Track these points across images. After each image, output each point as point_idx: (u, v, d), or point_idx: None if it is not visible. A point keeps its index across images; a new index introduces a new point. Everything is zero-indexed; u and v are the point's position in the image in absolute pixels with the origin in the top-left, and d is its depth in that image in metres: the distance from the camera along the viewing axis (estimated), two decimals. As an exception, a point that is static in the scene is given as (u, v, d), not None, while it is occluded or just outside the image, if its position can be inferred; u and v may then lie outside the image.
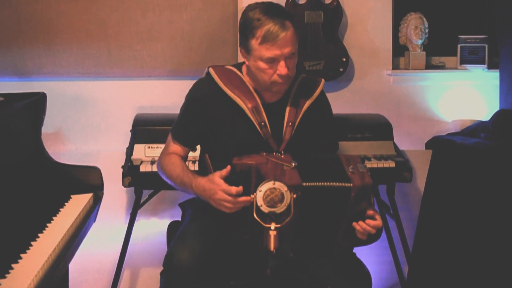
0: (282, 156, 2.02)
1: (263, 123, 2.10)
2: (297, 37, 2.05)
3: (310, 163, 2.00)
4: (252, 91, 2.14)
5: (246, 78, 2.16)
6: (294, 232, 1.95)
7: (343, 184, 1.93)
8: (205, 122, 2.16)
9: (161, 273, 2.04)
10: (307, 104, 2.17)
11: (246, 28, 2.04)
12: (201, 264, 1.95)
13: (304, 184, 1.91)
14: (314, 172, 1.95)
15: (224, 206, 1.96)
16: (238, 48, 2.15)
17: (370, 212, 1.98)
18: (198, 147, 2.30)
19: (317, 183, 1.92)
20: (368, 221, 1.97)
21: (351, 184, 1.93)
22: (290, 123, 2.13)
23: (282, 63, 2.01)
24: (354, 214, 1.97)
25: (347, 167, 1.98)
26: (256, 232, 1.93)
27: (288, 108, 2.15)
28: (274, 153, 2.05)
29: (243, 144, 2.09)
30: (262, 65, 2.04)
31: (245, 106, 2.11)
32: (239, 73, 2.18)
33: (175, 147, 2.22)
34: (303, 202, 1.92)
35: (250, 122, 2.11)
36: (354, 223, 1.96)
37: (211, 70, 2.17)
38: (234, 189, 1.93)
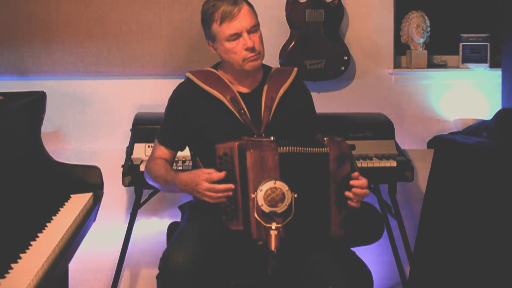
0: (263, 136, 2.11)
1: (242, 111, 2.17)
2: (253, 11, 2.17)
3: (288, 140, 2.04)
4: (229, 84, 2.22)
5: (222, 74, 2.25)
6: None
7: (319, 149, 2.00)
8: (188, 122, 2.22)
9: (157, 277, 2.02)
10: (283, 89, 2.24)
11: (206, 17, 2.17)
12: (198, 266, 1.95)
13: (280, 148, 1.95)
14: (292, 144, 2.00)
15: (208, 196, 2.00)
16: (206, 43, 2.23)
17: (354, 174, 2.01)
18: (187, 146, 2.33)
19: (294, 148, 1.97)
20: (354, 183, 1.99)
21: (327, 149, 1.99)
22: (267, 108, 2.20)
23: (245, 35, 2.12)
24: (339, 181, 2.01)
25: (321, 139, 2.07)
26: (247, 221, 1.95)
27: (264, 95, 2.23)
28: (255, 136, 2.11)
29: (226, 134, 2.12)
30: (228, 45, 2.14)
31: (224, 98, 2.18)
32: (215, 71, 2.27)
33: (162, 151, 2.27)
34: (286, 172, 1.94)
35: (230, 112, 2.18)
36: (346, 192, 1.99)
37: (188, 74, 2.26)
38: (215, 175, 1.98)
